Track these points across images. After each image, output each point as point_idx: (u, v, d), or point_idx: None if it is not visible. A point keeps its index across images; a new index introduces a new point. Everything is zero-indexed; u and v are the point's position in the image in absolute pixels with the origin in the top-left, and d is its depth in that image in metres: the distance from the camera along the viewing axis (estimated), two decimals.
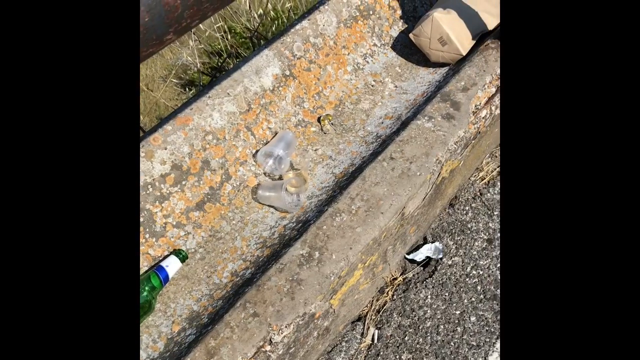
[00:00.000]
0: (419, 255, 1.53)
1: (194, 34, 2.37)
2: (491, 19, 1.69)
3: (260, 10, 2.16)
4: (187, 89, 2.97)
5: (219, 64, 2.29)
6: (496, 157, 1.74)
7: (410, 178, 1.31)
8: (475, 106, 1.47)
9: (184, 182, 1.37)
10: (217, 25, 2.29)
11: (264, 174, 1.48)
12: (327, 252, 1.18)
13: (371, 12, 1.77)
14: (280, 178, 1.47)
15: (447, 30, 1.61)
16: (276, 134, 1.52)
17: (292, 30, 1.62)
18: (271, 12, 2.31)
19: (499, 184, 1.66)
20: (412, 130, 1.41)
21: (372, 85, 1.71)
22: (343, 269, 1.18)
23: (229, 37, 2.33)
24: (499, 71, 1.53)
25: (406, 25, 1.85)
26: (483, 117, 1.49)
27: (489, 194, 1.63)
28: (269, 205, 1.42)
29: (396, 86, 1.71)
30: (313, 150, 1.55)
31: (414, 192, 1.31)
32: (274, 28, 2.61)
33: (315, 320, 1.20)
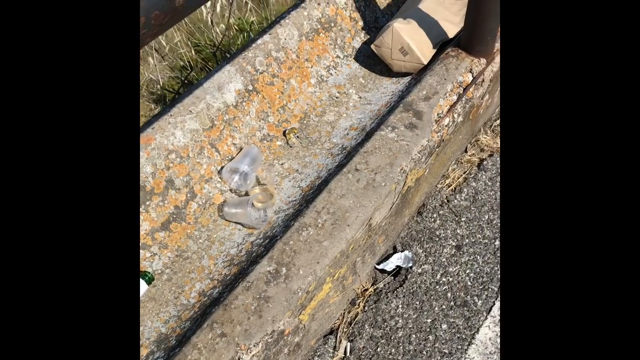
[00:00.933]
0: (389, 265, 1.53)
1: (155, 50, 2.35)
2: (451, 27, 1.72)
3: (222, 25, 2.15)
4: (158, 104, 2.94)
5: (184, 79, 2.28)
6: (462, 163, 1.76)
7: (376, 189, 1.32)
8: (438, 115, 1.48)
9: (148, 203, 1.35)
10: (176, 40, 2.28)
11: (230, 190, 1.47)
12: (294, 268, 1.18)
13: (333, 25, 1.78)
14: (247, 194, 1.45)
15: (408, 40, 1.63)
16: (241, 149, 1.51)
17: (254, 44, 1.61)
18: (234, 26, 2.31)
19: (465, 190, 1.68)
20: (376, 141, 1.41)
21: (337, 97, 1.71)
22: (311, 284, 1.17)
23: (193, 52, 2.31)
24: (460, 79, 1.56)
25: (368, 36, 1.86)
26: (446, 125, 1.51)
27: (455, 201, 1.65)
28: (235, 222, 1.41)
29: (360, 97, 1.72)
30: (279, 164, 1.55)
31: (379, 203, 1.31)
32: (239, 41, 2.60)
33: (285, 337, 1.19)
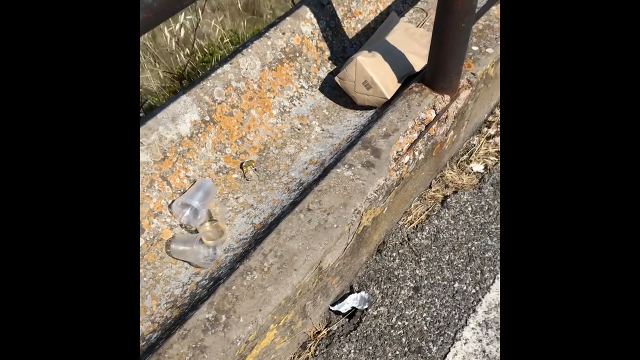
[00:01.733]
0: (344, 306, 1.48)
1: None
2: (419, 60, 1.69)
3: (187, 50, 2.11)
4: None
5: (143, 105, 2.23)
6: (425, 199, 1.72)
7: (327, 230, 1.27)
8: (397, 152, 1.45)
9: None
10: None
11: (180, 225, 1.42)
12: (235, 315, 1.12)
13: (298, 54, 1.75)
14: (197, 231, 1.40)
15: (371, 74, 1.60)
16: (195, 182, 1.46)
17: (213, 74, 1.57)
18: (198, 52, 2.27)
19: (427, 227, 1.64)
20: (331, 180, 1.37)
21: (299, 129, 1.67)
22: (251, 333, 1.12)
23: (160, 76, 2.27)
24: (422, 115, 1.52)
25: (335, 66, 1.83)
26: (406, 163, 1.47)
27: (416, 239, 1.61)
28: (183, 260, 1.35)
29: (323, 129, 1.68)
30: (234, 198, 1.50)
31: (330, 246, 1.27)
32: (213, 62, 2.56)
33: None
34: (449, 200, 1.70)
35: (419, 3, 2.11)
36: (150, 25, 0.88)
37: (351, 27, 1.90)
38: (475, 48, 1.70)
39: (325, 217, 1.29)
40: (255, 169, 1.55)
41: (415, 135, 1.50)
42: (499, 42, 1.71)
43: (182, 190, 1.45)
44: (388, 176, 1.41)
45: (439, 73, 1.52)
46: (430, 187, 1.76)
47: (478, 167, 1.80)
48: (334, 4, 1.84)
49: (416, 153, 1.50)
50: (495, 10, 1.84)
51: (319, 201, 1.32)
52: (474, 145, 1.87)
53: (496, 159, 1.82)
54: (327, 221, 1.29)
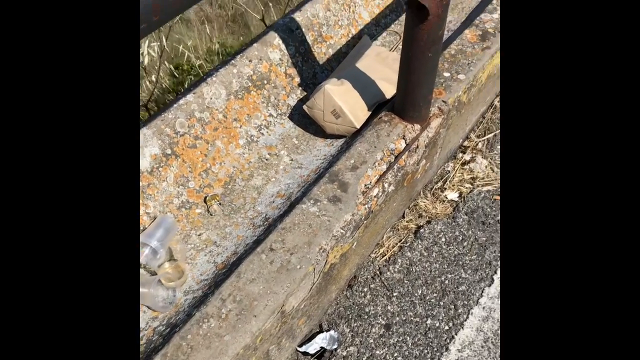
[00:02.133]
0: (313, 346, 1.42)
1: None
2: (389, 87, 1.65)
3: (153, 77, 2.06)
4: None
5: None
6: (398, 229, 1.67)
7: (290, 272, 1.22)
8: (365, 186, 1.40)
9: None
10: None
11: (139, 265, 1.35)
12: None
13: (266, 82, 1.70)
14: (156, 272, 1.34)
15: (340, 103, 1.55)
16: (155, 219, 1.40)
17: (175, 105, 1.52)
18: (165, 79, 2.21)
19: (399, 260, 1.59)
20: (296, 216, 1.32)
21: (267, 159, 1.62)
22: None
23: None
24: (391, 146, 1.48)
25: (305, 93, 1.79)
26: (375, 196, 1.42)
27: (389, 273, 1.55)
28: (141, 304, 1.29)
29: (292, 159, 1.63)
30: (197, 235, 1.44)
31: (293, 288, 1.21)
32: (186, 85, 2.51)
33: None
34: (422, 230, 1.65)
35: (393, 25, 2.08)
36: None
37: (322, 52, 1.86)
38: (446, 74, 1.67)
39: (289, 257, 1.24)
40: (220, 203, 1.50)
41: (384, 167, 1.45)
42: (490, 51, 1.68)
43: (141, 228, 1.38)
44: (356, 211, 1.36)
45: (408, 103, 1.48)
46: (403, 216, 1.71)
47: (452, 195, 1.76)
48: (303, 29, 1.80)
49: (385, 185, 1.46)
50: (469, 34, 1.81)
51: (282, 240, 1.27)
52: (449, 172, 1.83)
53: (471, 186, 1.78)
54: (290, 262, 1.23)
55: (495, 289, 1.51)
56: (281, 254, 1.24)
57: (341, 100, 1.56)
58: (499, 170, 1.81)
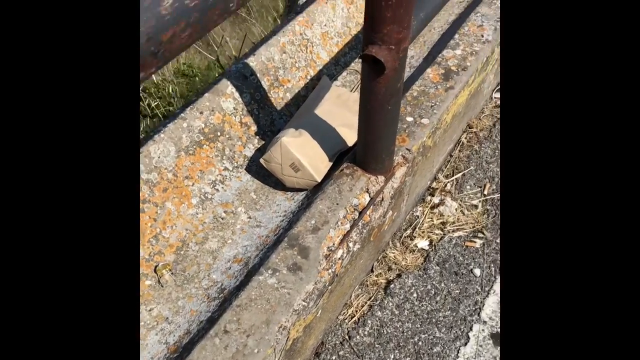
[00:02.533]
0: None
1: None
2: (351, 134, 1.56)
3: None
4: None
5: None
6: (367, 285, 1.57)
7: (247, 357, 1.10)
8: (328, 248, 1.30)
9: None
10: None
11: None
12: None
13: (219, 134, 1.59)
14: None
15: (298, 156, 1.46)
16: None
17: None
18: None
19: (369, 321, 1.49)
20: (252, 290, 1.20)
21: (223, 218, 1.51)
22: None
23: None
24: (355, 201, 1.38)
25: (263, 142, 1.68)
26: (339, 258, 1.32)
27: (358, 336, 1.45)
28: None
29: (250, 217, 1.52)
30: (147, 310, 1.31)
31: None
32: (143, 128, 2.37)
33: None
34: (392, 286, 1.56)
35: (353, 64, 2.00)
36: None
37: (279, 97, 1.76)
38: (409, 119, 1.59)
39: (245, 340, 1.12)
40: (172, 272, 1.37)
41: (348, 225, 1.36)
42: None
43: None
44: (319, 278, 1.25)
45: (369, 156, 1.39)
46: (372, 270, 1.62)
47: (422, 243, 1.67)
48: (258, 75, 1.71)
49: (350, 244, 1.36)
50: (431, 74, 1.74)
51: (238, 320, 1.15)
52: (418, 217, 1.74)
53: (441, 232, 1.70)
54: (246, 345, 1.12)
55: (470, 347, 1.42)
56: (237, 336, 1.13)
57: (300, 153, 1.46)
58: (469, 213, 1.74)
